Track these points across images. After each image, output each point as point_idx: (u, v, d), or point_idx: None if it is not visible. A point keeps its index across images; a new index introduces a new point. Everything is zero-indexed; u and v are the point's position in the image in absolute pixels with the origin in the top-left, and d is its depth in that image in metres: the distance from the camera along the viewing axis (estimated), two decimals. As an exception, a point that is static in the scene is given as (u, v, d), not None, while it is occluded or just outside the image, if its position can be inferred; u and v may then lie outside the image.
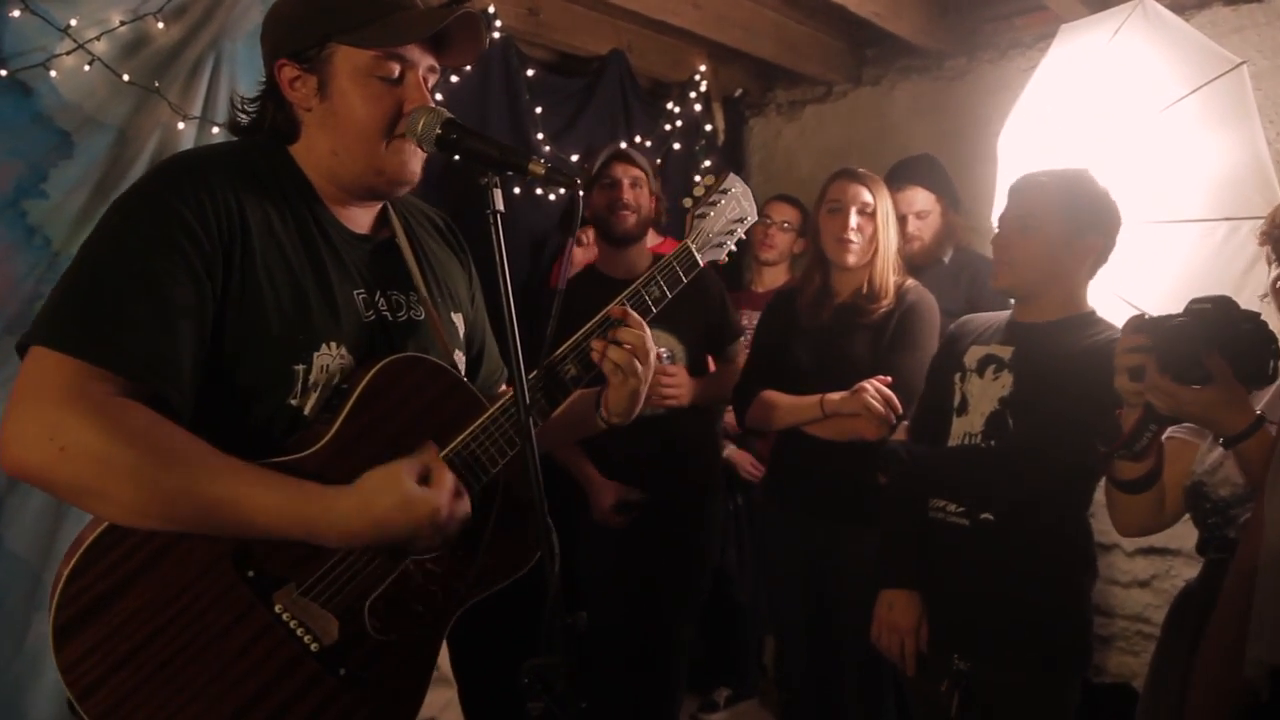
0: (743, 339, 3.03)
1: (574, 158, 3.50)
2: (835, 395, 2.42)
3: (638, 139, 3.74)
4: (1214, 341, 1.45)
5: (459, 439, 1.28)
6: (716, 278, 2.91)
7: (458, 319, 1.48)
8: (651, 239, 3.05)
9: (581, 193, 1.31)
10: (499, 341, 1.56)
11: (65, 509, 2.25)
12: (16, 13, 2.22)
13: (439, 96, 1.43)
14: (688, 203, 1.65)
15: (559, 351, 1.38)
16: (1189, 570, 3.10)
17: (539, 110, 3.46)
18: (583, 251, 3.27)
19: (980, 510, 1.91)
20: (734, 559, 3.62)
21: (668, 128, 3.97)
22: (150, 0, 2.40)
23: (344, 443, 1.20)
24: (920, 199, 2.96)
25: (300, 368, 1.21)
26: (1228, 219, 2.36)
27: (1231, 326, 1.46)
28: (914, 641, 1.97)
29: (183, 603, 1.10)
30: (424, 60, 1.28)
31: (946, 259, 3.03)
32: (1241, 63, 2.41)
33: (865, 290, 2.52)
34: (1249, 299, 2.13)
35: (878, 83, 4.20)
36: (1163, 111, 2.44)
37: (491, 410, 1.31)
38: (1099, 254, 1.97)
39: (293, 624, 1.17)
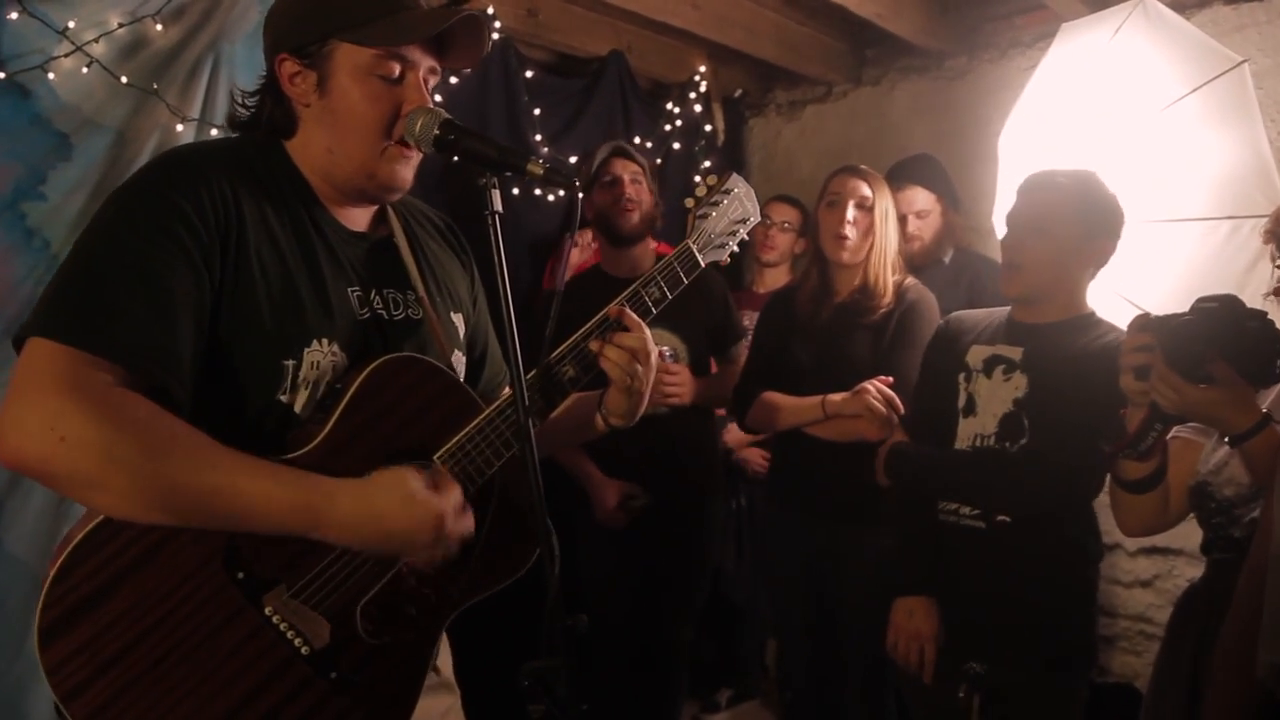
0: (745, 340, 3.02)
1: (573, 159, 3.48)
2: (837, 396, 2.41)
3: (637, 140, 3.72)
4: (1220, 340, 1.45)
5: (454, 440, 1.27)
6: (720, 278, 2.90)
7: (458, 319, 1.46)
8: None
9: (580, 194, 1.30)
10: (499, 343, 1.56)
11: (65, 510, 2.24)
12: (14, 15, 2.22)
13: (438, 98, 1.42)
14: (689, 203, 1.62)
15: (557, 352, 1.37)
16: (1191, 570, 3.10)
17: (538, 111, 3.44)
18: (578, 253, 3.26)
19: (996, 512, 1.91)
20: (733, 559, 3.61)
21: (667, 128, 3.96)
22: (149, 2, 2.40)
23: (337, 442, 1.19)
24: (920, 199, 2.95)
25: (290, 363, 1.20)
26: (1230, 217, 2.36)
27: (1238, 325, 1.45)
28: (934, 648, 1.96)
29: (171, 604, 1.09)
30: (425, 61, 1.27)
31: (946, 259, 3.03)
32: (1243, 61, 2.40)
33: (861, 286, 2.51)
34: (1251, 297, 2.11)
35: (878, 83, 4.19)
36: (1164, 110, 2.44)
37: (488, 412, 1.30)
38: (1105, 257, 1.96)
39: (283, 626, 1.15)
